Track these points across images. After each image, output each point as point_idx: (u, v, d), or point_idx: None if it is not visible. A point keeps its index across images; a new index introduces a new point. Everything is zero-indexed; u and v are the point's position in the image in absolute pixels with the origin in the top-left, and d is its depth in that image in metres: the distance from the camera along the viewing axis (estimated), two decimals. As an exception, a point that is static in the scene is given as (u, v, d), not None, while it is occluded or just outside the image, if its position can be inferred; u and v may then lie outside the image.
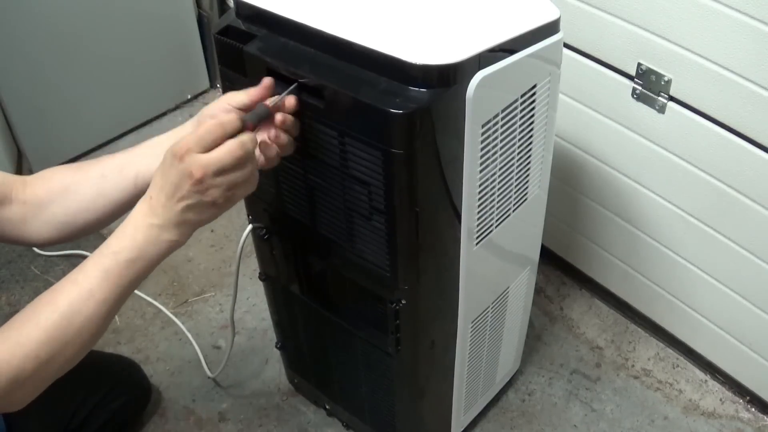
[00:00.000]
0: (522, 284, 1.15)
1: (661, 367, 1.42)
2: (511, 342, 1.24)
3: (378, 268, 0.90)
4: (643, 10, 1.08)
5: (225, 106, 0.77)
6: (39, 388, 0.70)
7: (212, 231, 1.71)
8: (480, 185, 0.86)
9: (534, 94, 0.87)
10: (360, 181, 0.82)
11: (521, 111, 0.86)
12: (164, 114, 2.03)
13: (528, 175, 0.96)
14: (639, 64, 1.14)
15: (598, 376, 1.40)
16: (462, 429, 1.25)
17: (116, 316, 1.27)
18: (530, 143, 0.92)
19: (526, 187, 0.98)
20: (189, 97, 2.07)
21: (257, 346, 1.47)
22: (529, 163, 0.95)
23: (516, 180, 0.94)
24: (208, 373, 1.40)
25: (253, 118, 0.73)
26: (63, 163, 1.83)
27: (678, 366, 1.41)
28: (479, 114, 0.79)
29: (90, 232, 0.89)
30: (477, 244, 0.93)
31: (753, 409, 1.34)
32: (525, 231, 1.07)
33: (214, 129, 0.69)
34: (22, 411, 0.71)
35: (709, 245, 1.23)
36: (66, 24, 1.70)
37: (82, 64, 1.78)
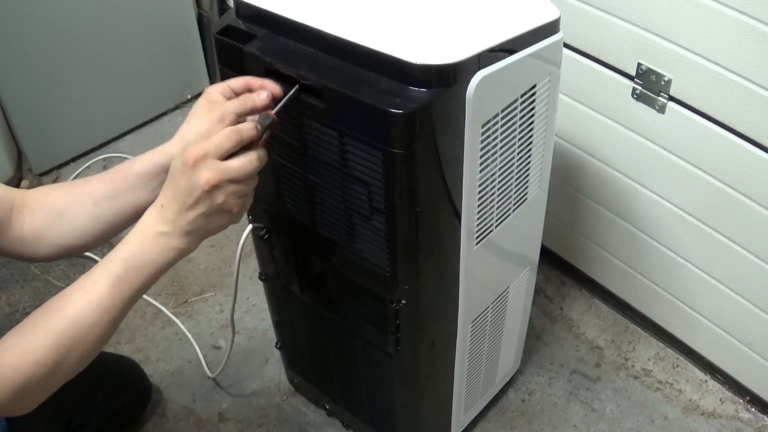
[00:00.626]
0: (522, 284, 1.15)
1: (661, 367, 1.42)
2: (511, 342, 1.24)
3: (378, 268, 0.90)
4: (643, 10, 1.08)
5: (221, 125, 0.77)
6: (46, 394, 0.71)
7: (212, 231, 1.71)
8: (480, 185, 0.86)
9: (534, 94, 0.87)
10: (360, 181, 0.82)
11: (521, 111, 0.86)
12: (164, 114, 2.03)
13: (528, 175, 0.96)
14: (639, 64, 1.14)
15: (598, 376, 1.40)
16: (462, 429, 1.25)
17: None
18: (530, 143, 0.92)
19: (526, 187, 0.98)
20: (189, 97, 2.07)
21: (257, 346, 1.47)
22: (529, 163, 0.95)
23: (516, 180, 0.94)
24: (208, 373, 1.40)
25: (263, 127, 0.73)
26: (63, 164, 1.87)
27: (678, 366, 1.41)
28: (479, 114, 0.79)
29: (91, 249, 0.90)
30: (477, 244, 0.93)
31: (753, 409, 1.34)
32: (525, 231, 1.07)
33: (233, 136, 0.69)
34: (23, 411, 0.71)
35: (709, 245, 1.23)
36: (66, 24, 1.70)
37: (82, 64, 1.78)
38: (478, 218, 0.90)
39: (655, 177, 1.25)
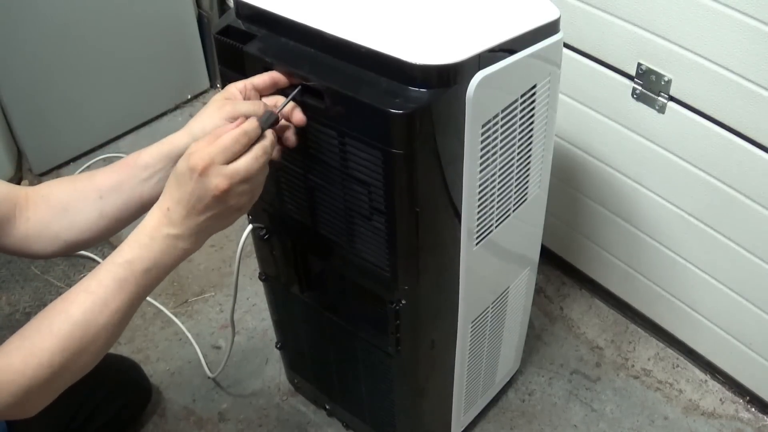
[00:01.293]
0: (522, 284, 1.15)
1: (661, 367, 1.42)
2: (511, 342, 1.24)
3: (378, 269, 0.90)
4: (643, 10, 1.08)
5: (247, 89, 0.78)
6: (52, 396, 0.70)
7: (212, 231, 1.71)
8: (480, 185, 0.86)
9: (534, 94, 0.87)
10: (360, 182, 0.82)
11: (521, 111, 0.86)
12: (164, 114, 2.04)
13: (528, 175, 0.96)
14: (639, 64, 1.14)
15: (598, 376, 1.40)
16: (462, 429, 1.25)
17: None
18: (530, 143, 0.92)
19: (526, 187, 0.98)
20: (189, 97, 2.07)
21: (257, 346, 1.47)
22: (529, 163, 0.95)
23: (516, 180, 0.94)
24: (208, 373, 1.40)
25: (266, 126, 0.73)
26: (63, 164, 1.88)
27: (678, 366, 1.41)
28: (479, 114, 0.79)
29: (94, 245, 0.89)
30: (477, 244, 0.93)
31: (753, 409, 1.34)
32: (525, 231, 1.07)
33: (240, 138, 0.69)
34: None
35: (709, 245, 1.23)
36: (66, 24, 1.70)
37: (82, 64, 1.78)
38: (478, 218, 0.90)
39: (655, 177, 1.25)
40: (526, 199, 0.99)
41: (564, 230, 1.50)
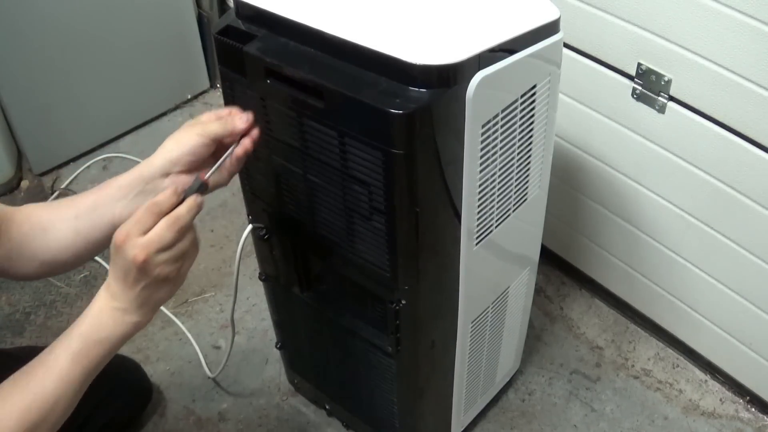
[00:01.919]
0: (522, 284, 1.15)
1: (661, 367, 1.42)
2: (511, 342, 1.24)
3: (378, 269, 0.90)
4: (643, 10, 1.08)
5: (203, 141, 0.79)
6: None
7: (212, 231, 1.71)
8: (480, 185, 0.86)
9: (534, 94, 0.87)
10: (360, 181, 0.82)
11: (521, 111, 0.86)
12: (164, 114, 2.04)
13: (528, 175, 0.96)
14: (639, 64, 1.14)
15: (598, 376, 1.40)
16: (462, 429, 1.25)
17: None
18: (530, 143, 0.92)
19: (526, 187, 0.98)
20: (189, 97, 2.07)
21: (257, 346, 1.47)
22: (529, 163, 0.95)
23: (516, 180, 0.94)
24: (208, 373, 1.40)
25: (190, 194, 0.73)
26: (63, 164, 1.88)
27: (678, 366, 1.41)
28: (479, 114, 0.79)
29: (72, 269, 0.91)
30: (477, 244, 0.93)
31: (753, 409, 1.34)
32: (525, 231, 1.07)
33: (151, 209, 0.70)
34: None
35: (709, 245, 1.23)
36: (66, 24, 1.70)
37: (82, 64, 1.78)
38: (478, 218, 0.90)
39: (655, 177, 1.25)
40: (526, 199, 0.99)
41: (564, 230, 1.50)
